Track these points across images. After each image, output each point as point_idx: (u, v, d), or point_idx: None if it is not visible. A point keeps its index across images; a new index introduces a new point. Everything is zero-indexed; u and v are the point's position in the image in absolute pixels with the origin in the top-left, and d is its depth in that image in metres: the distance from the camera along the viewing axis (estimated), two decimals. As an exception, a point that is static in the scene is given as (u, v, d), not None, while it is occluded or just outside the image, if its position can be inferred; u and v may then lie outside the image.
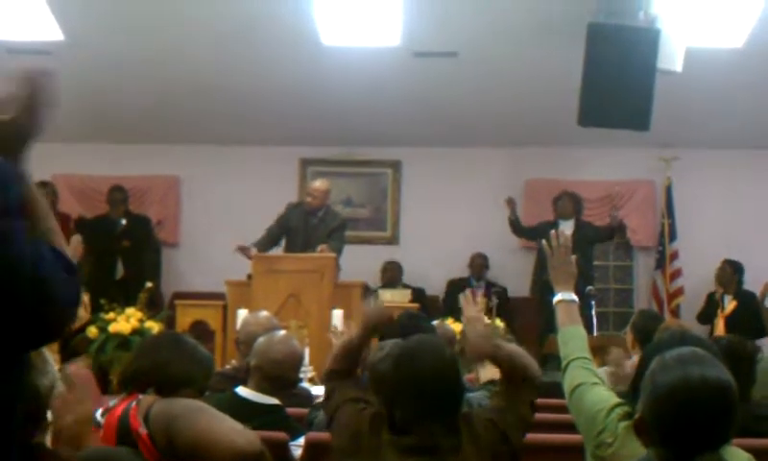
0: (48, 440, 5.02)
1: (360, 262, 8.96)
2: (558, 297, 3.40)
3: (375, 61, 9.37)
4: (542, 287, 9.79)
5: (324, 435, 3.39)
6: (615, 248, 11.33)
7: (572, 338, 3.27)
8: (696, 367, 2.30)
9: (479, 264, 10.46)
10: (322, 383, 3.30)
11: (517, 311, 10.15)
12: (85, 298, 7.18)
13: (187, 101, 10.23)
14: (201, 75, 9.76)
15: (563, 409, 3.49)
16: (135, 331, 8.27)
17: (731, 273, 9.62)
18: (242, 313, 6.88)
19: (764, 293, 7.67)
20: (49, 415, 2.50)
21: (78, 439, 5.03)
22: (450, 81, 9.73)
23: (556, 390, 4.25)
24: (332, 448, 3.10)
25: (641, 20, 8.21)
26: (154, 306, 9.13)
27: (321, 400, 3.57)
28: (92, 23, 9.01)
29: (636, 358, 5.03)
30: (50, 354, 2.45)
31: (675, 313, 10.34)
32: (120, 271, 10.28)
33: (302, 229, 8.69)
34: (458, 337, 7.83)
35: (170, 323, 8.58)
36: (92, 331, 8.23)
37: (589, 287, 9.14)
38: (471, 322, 3.41)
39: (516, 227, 10.06)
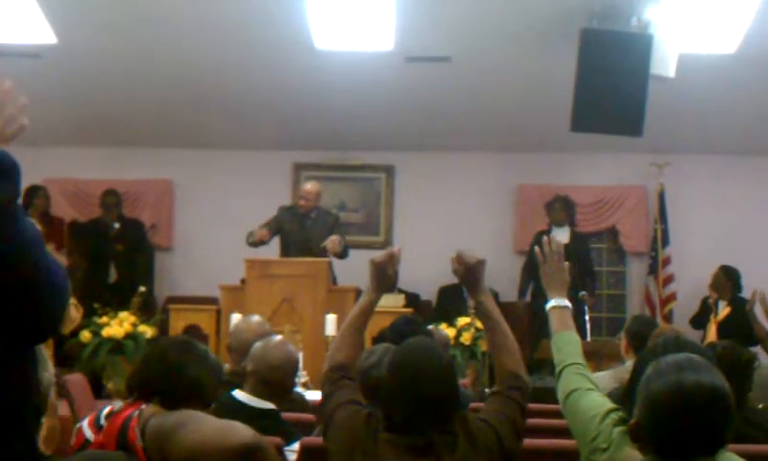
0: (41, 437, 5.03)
1: (353, 267, 8.96)
2: (551, 303, 3.41)
3: (369, 66, 9.38)
4: (534, 293, 9.83)
5: (319, 440, 3.39)
6: (608, 253, 11.36)
7: (566, 344, 3.27)
8: (691, 373, 2.30)
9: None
10: (323, 381, 3.27)
11: (510, 316, 10.12)
12: (73, 298, 7.15)
13: (181, 105, 10.23)
14: (194, 79, 9.76)
15: (556, 414, 3.49)
16: (129, 336, 8.28)
17: (724, 279, 9.62)
18: (235, 317, 6.86)
19: (753, 300, 7.67)
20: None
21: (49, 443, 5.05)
22: (443, 85, 9.74)
23: (549, 395, 4.27)
24: (328, 451, 3.10)
25: (634, 26, 8.23)
26: (147, 310, 9.13)
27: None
28: (85, 26, 8.99)
29: (629, 363, 5.04)
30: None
31: (667, 318, 10.36)
32: (113, 275, 10.27)
33: (298, 231, 8.69)
34: (452, 342, 7.88)
35: (163, 327, 8.58)
36: (85, 335, 8.24)
37: (582, 293, 9.17)
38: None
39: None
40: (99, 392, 7.87)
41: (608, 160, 10.85)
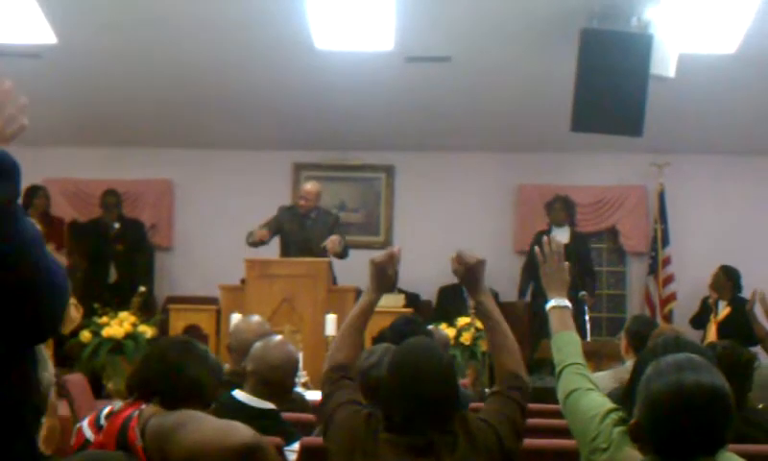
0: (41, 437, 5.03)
1: (353, 267, 8.95)
2: (551, 303, 3.41)
3: (369, 66, 9.38)
4: (534, 292, 9.83)
5: (319, 440, 3.39)
6: (608, 253, 11.36)
7: (566, 344, 3.27)
8: (691, 373, 2.31)
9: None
10: (323, 381, 3.27)
11: (510, 316, 10.12)
12: (73, 298, 7.16)
13: (181, 105, 10.23)
14: (194, 79, 9.76)
15: (557, 414, 3.49)
16: (129, 335, 8.28)
17: (724, 279, 9.62)
18: (235, 317, 6.86)
19: (753, 300, 7.66)
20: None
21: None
22: (443, 85, 9.74)
23: (549, 395, 4.27)
24: (328, 451, 3.10)
25: (634, 26, 8.24)
26: (147, 310, 9.13)
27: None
28: (85, 26, 8.99)
29: (629, 363, 5.04)
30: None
31: (667, 318, 10.36)
32: (113, 275, 10.27)
33: (298, 231, 8.69)
34: (451, 343, 7.87)
35: (163, 327, 8.59)
36: (85, 335, 8.23)
37: (582, 293, 9.17)
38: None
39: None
40: (99, 392, 7.87)
41: (608, 160, 10.86)
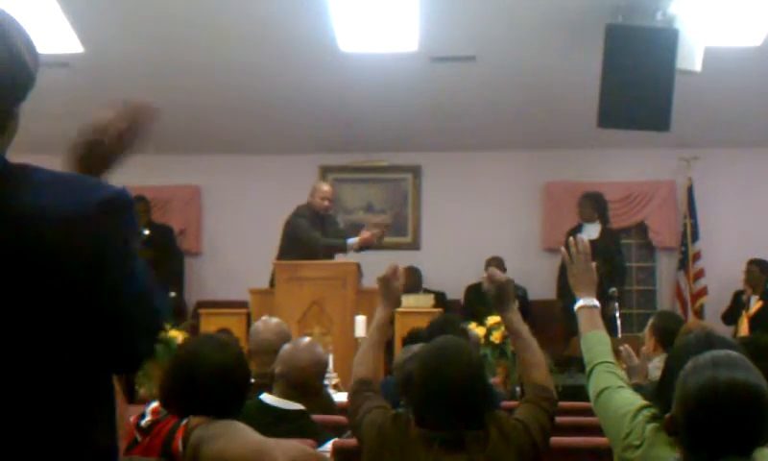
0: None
1: (382, 268, 8.96)
2: (579, 303, 3.40)
3: (393, 67, 9.38)
4: (563, 290, 9.79)
5: (352, 441, 3.41)
6: (638, 248, 11.32)
7: (595, 343, 3.27)
8: (725, 370, 2.30)
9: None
10: (348, 396, 3.32)
11: (540, 314, 10.13)
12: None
13: (207, 111, 10.27)
14: (220, 84, 9.80)
15: (587, 412, 3.49)
16: (160, 340, 8.31)
17: (758, 273, 9.56)
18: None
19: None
20: None
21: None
22: (469, 85, 9.73)
23: (580, 393, 4.26)
24: (362, 454, 3.15)
25: (659, 21, 8.19)
26: (178, 316, 9.17)
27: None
28: (111, 35, 9.05)
29: (656, 361, 5.01)
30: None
31: (699, 314, 10.31)
32: (144, 281, 10.29)
33: (321, 233, 8.69)
34: (482, 342, 7.87)
35: (194, 332, 8.61)
36: (117, 342, 8.26)
37: (612, 289, 9.12)
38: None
39: None
40: (131, 397, 7.91)
41: (635, 156, 10.81)
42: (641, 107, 8.24)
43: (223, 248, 11.17)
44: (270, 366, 4.21)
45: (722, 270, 10.35)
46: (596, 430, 3.31)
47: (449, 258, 10.47)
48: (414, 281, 10.37)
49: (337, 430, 4.17)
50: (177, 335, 8.40)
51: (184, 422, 2.92)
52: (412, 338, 5.38)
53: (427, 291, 10.12)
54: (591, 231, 9.66)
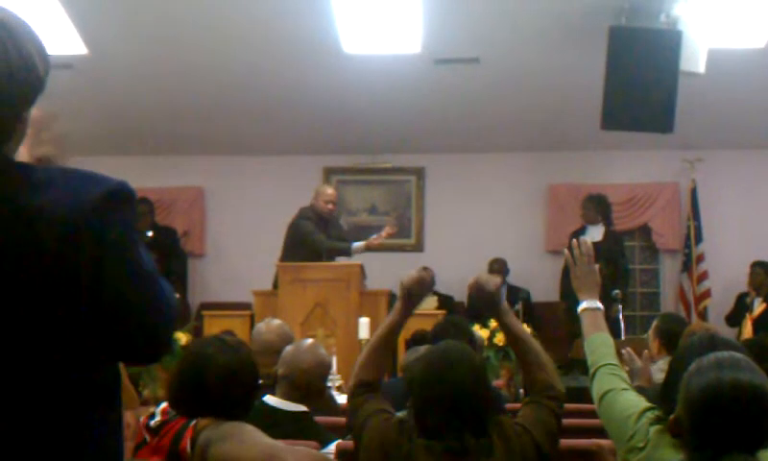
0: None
1: (386, 270, 8.96)
2: (583, 305, 3.40)
3: (397, 69, 9.39)
4: (567, 292, 9.79)
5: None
6: (641, 251, 11.31)
7: (599, 345, 3.27)
8: (729, 371, 2.30)
9: (496, 270, 10.36)
10: (348, 396, 3.29)
11: (543, 315, 10.13)
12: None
13: (210, 112, 10.28)
14: (223, 86, 9.81)
15: (591, 414, 3.49)
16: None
17: (762, 275, 9.55)
18: (267, 323, 6.87)
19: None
20: None
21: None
22: (472, 86, 9.73)
23: (584, 395, 4.25)
24: (359, 455, 3.13)
25: (663, 23, 8.19)
26: (181, 317, 9.17)
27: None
28: (115, 36, 9.06)
29: (661, 363, 5.01)
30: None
31: (702, 316, 10.29)
32: (148, 283, 10.28)
33: (325, 236, 8.70)
34: (485, 344, 7.86)
35: (197, 333, 8.61)
36: (120, 343, 8.26)
37: (615, 291, 9.11)
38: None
39: None
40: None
41: (639, 158, 10.81)
42: (645, 108, 8.24)
43: (226, 249, 11.17)
44: (272, 367, 4.21)
45: (726, 272, 10.34)
46: (600, 433, 3.31)
47: (453, 260, 10.44)
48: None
49: (340, 432, 4.16)
50: (180, 337, 8.41)
51: (193, 423, 2.92)
52: (416, 340, 5.38)
53: (433, 293, 10.11)
54: (595, 234, 9.66)
